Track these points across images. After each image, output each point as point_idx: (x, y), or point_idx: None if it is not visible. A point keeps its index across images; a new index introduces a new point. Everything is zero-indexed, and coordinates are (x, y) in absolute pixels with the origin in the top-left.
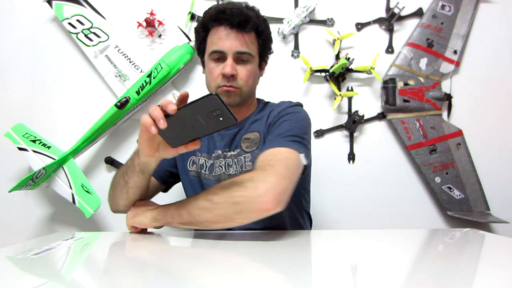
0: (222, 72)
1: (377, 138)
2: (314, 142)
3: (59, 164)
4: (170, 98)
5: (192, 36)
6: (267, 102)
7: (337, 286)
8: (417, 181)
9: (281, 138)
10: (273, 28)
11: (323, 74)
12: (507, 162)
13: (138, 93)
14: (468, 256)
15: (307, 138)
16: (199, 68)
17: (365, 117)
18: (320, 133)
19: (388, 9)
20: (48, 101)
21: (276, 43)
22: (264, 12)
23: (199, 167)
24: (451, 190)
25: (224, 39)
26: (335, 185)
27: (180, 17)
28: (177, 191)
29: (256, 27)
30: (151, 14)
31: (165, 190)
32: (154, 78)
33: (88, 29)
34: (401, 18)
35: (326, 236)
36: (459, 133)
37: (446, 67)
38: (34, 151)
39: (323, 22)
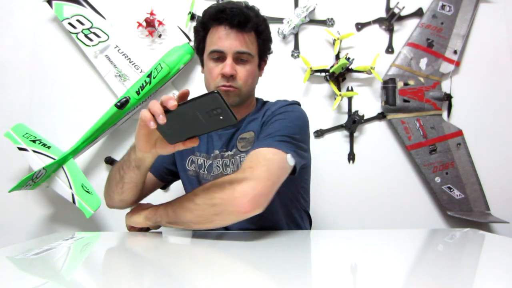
0: (222, 72)
1: (377, 138)
2: (314, 142)
3: (59, 164)
4: None
5: (192, 36)
6: (266, 102)
7: (337, 286)
8: (417, 181)
9: (269, 138)
10: (273, 28)
11: (323, 74)
12: (507, 162)
13: (138, 93)
14: (468, 256)
15: (300, 138)
16: (199, 68)
17: (365, 117)
18: (320, 133)
19: (388, 9)
20: (48, 101)
21: (276, 43)
22: (264, 12)
23: (198, 166)
24: (451, 190)
25: (224, 39)
26: (335, 185)
27: (180, 17)
28: (178, 191)
29: (256, 27)
30: (151, 14)
31: (164, 187)
32: (154, 78)
33: (88, 29)
34: (401, 18)
35: (326, 236)
36: (459, 133)
37: (446, 67)
38: (34, 151)
39: (323, 22)
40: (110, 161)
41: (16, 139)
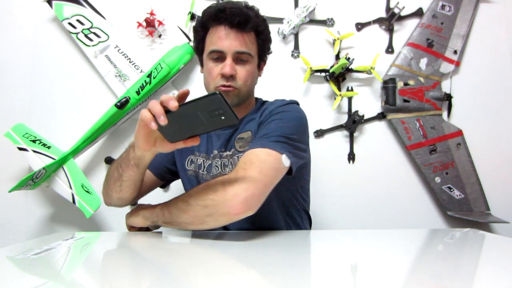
0: (222, 72)
1: (377, 138)
2: (314, 142)
3: (59, 164)
4: None
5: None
6: (265, 101)
7: (337, 286)
8: (417, 181)
9: (265, 138)
10: (273, 28)
11: (323, 74)
12: (507, 162)
13: (138, 93)
14: (468, 256)
15: (297, 138)
16: (199, 68)
17: (365, 117)
18: (320, 133)
19: (388, 9)
20: (48, 101)
21: (276, 43)
22: (264, 12)
23: (197, 166)
24: (451, 190)
25: (224, 39)
26: (335, 185)
27: (180, 17)
28: (178, 190)
29: (256, 27)
30: (151, 14)
31: (163, 186)
32: (154, 78)
33: (88, 29)
34: (401, 18)
35: (326, 236)
36: (459, 133)
37: (446, 67)
38: (34, 151)
39: (323, 22)
40: (110, 161)
41: (16, 139)
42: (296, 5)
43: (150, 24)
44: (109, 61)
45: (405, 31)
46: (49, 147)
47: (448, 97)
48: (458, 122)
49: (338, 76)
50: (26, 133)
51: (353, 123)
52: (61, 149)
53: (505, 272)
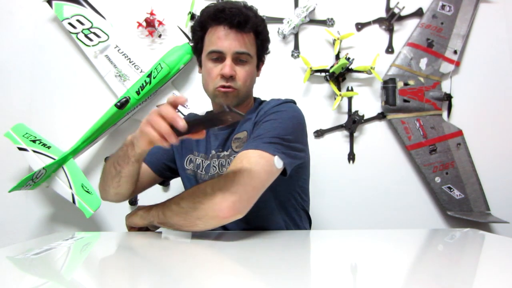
0: (221, 73)
1: (377, 138)
2: (314, 142)
3: (59, 164)
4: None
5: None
6: (263, 101)
7: (336, 286)
8: (417, 181)
9: (258, 139)
10: (273, 28)
11: (323, 74)
12: (507, 162)
13: (138, 93)
14: (468, 256)
15: (293, 138)
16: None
17: (365, 117)
18: (320, 133)
19: (388, 9)
20: (48, 101)
21: (276, 43)
22: (264, 12)
23: (196, 166)
24: (451, 190)
25: (223, 39)
26: (335, 185)
27: (180, 17)
28: (178, 189)
29: (255, 27)
30: (151, 14)
31: (162, 183)
32: (154, 78)
33: (88, 29)
34: (401, 18)
35: (326, 236)
36: (459, 133)
37: (446, 67)
38: (34, 151)
39: (323, 22)
40: None
41: (16, 139)
42: (296, 5)
43: (150, 24)
44: (109, 61)
45: (405, 31)
46: (49, 147)
47: (448, 97)
48: (458, 122)
49: (338, 76)
50: (26, 133)
51: (353, 123)
52: (61, 149)
53: (505, 272)
